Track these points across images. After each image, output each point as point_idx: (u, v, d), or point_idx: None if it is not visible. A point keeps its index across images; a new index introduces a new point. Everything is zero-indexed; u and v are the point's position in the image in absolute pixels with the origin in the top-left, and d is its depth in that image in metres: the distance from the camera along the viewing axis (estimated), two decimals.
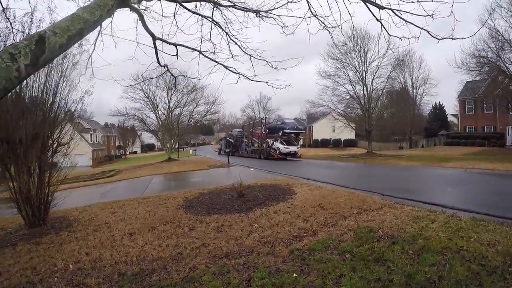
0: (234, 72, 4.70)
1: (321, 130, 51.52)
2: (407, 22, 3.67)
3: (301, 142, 26.24)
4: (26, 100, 6.74)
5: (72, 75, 7.21)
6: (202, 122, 33.18)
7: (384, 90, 24.88)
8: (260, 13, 4.28)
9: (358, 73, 23.93)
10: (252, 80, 4.62)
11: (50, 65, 6.43)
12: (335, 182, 9.66)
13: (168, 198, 8.69)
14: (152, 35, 4.25)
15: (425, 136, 42.85)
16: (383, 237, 4.09)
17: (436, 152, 22.85)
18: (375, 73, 23.87)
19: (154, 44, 4.36)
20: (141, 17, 3.97)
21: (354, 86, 24.48)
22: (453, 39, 3.60)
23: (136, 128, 42.63)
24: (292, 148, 23.36)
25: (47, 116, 6.87)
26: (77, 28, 2.40)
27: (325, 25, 4.01)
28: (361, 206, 5.81)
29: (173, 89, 25.39)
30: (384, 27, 3.83)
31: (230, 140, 34.91)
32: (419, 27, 3.68)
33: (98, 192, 12.72)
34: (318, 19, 3.99)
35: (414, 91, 37.71)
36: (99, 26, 4.06)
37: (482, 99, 26.85)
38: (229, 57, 4.82)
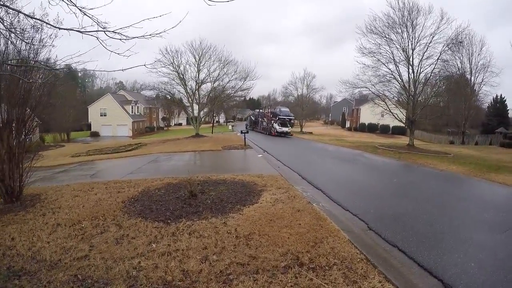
0: None
1: (369, 114, 46.84)
2: None
3: (292, 125, 35.48)
4: None
5: None
6: (233, 97, 33.07)
7: (432, 74, 20.47)
8: None
9: (404, 52, 20.19)
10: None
11: None
12: (328, 190, 7.84)
13: (134, 185, 8.21)
14: None
15: (482, 132, 36.98)
16: None
17: (488, 154, 18.78)
18: (424, 53, 19.82)
19: None
20: None
21: (398, 66, 20.78)
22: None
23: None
24: (285, 129, 31.81)
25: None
26: None
27: None
28: (304, 255, 3.88)
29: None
30: None
31: (252, 118, 42.03)
32: None
33: (96, 169, 12.94)
34: None
35: (472, 78, 31.26)
36: None
37: None
38: None
